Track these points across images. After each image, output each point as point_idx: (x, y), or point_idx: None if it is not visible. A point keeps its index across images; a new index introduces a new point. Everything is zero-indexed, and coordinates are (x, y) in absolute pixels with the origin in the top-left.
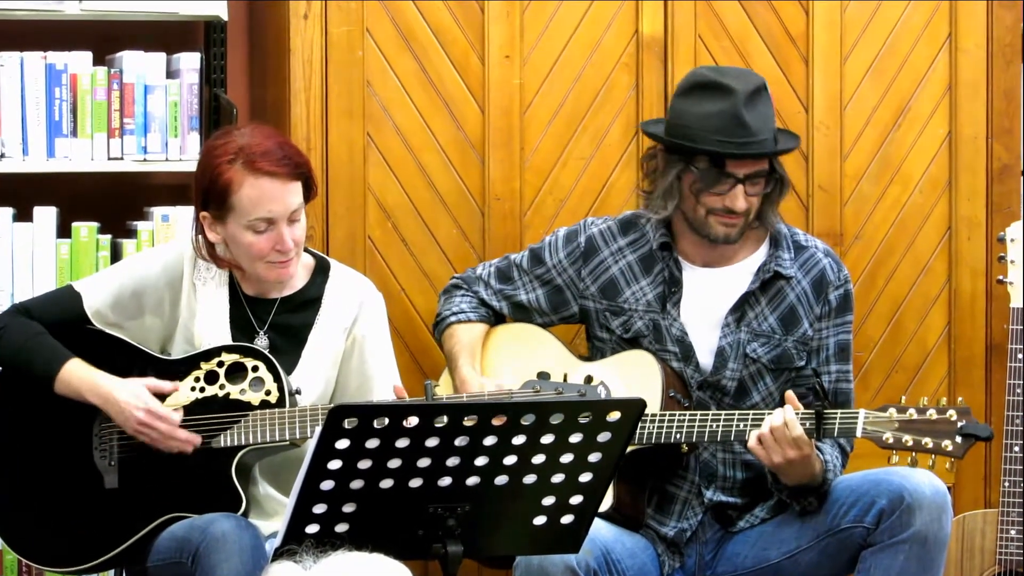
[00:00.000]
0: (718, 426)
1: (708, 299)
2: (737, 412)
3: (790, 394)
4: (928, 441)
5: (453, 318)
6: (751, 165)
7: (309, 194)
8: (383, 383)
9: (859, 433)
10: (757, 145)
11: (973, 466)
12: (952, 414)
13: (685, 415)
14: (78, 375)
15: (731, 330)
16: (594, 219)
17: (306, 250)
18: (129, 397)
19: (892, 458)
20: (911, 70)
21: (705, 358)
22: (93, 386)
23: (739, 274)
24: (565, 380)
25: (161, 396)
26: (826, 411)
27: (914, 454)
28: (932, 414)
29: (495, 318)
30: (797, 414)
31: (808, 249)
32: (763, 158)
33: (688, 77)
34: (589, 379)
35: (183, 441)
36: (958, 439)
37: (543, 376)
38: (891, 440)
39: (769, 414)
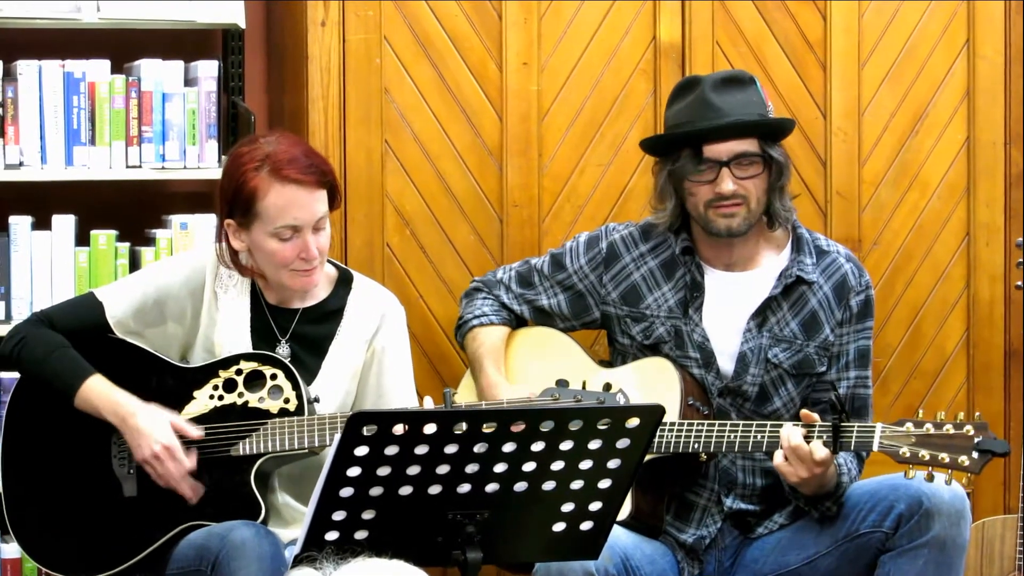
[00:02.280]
0: (736, 436)
1: (730, 304)
2: (755, 423)
3: (806, 412)
4: (944, 456)
5: (475, 321)
6: (732, 146)
7: (334, 203)
8: (398, 399)
9: (875, 447)
10: (728, 126)
11: (992, 472)
12: (969, 429)
13: (703, 424)
14: (98, 392)
15: (753, 335)
16: (616, 225)
17: (329, 262)
18: (152, 427)
19: (909, 472)
20: (929, 76)
21: (726, 363)
22: (115, 405)
23: (761, 279)
24: (584, 387)
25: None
26: (843, 425)
27: (931, 468)
28: (949, 429)
29: (517, 322)
30: (814, 427)
31: (830, 254)
32: (729, 133)
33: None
34: (608, 387)
35: (183, 490)
36: (975, 455)
37: (562, 383)
38: (908, 454)
39: (792, 424)
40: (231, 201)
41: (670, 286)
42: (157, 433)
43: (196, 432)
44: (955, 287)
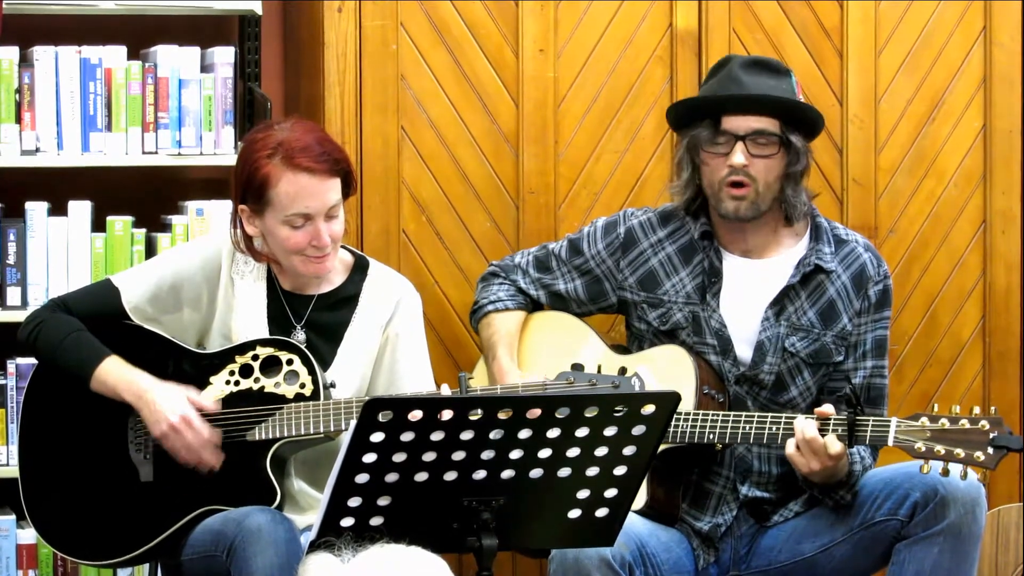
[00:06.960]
0: (751, 428)
1: (748, 291)
2: (770, 415)
3: (820, 409)
4: (960, 451)
5: (491, 307)
6: (751, 122)
7: (348, 191)
8: (413, 385)
9: (890, 442)
10: (747, 97)
11: (1008, 460)
12: (984, 424)
13: (718, 415)
14: (115, 373)
15: (770, 323)
16: (634, 210)
17: (345, 248)
18: (167, 399)
19: (925, 467)
20: (945, 64)
21: (744, 351)
22: (131, 383)
23: (779, 267)
24: (599, 372)
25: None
26: (858, 419)
27: (946, 464)
28: (964, 424)
29: (532, 306)
30: (829, 420)
31: (848, 243)
32: (748, 106)
33: None
34: (623, 371)
35: (205, 460)
36: (990, 450)
37: (577, 367)
38: (923, 449)
39: (804, 418)
40: (244, 187)
41: (688, 271)
42: (174, 405)
43: (213, 405)
44: (971, 275)
